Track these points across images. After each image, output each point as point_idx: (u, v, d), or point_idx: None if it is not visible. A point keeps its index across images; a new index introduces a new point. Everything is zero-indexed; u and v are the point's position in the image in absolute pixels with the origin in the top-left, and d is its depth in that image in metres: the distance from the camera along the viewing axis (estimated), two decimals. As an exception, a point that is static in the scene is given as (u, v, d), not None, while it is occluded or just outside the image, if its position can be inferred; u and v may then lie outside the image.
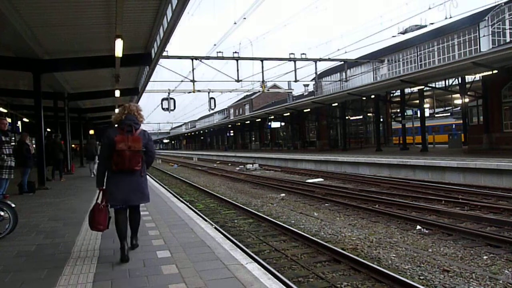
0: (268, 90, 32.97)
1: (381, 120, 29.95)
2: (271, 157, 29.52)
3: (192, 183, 17.62)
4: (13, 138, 16.72)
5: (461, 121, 27.21)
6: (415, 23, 23.53)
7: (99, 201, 4.40)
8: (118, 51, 9.64)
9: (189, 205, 10.14)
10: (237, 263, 4.07)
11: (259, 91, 36.40)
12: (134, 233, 4.72)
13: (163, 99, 27.70)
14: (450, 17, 20.04)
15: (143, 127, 4.37)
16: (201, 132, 74.58)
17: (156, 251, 4.59)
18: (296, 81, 28.70)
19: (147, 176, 5.01)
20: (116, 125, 4.35)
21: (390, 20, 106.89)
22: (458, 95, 25.78)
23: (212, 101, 29.32)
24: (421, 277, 5.12)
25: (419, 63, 29.87)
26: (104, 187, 4.33)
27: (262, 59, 27.32)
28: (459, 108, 28.81)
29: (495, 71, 16.69)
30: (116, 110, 5.09)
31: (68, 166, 17.97)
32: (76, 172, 18.46)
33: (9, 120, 17.80)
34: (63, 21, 9.22)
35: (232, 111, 74.99)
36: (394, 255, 6.08)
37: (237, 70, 26.76)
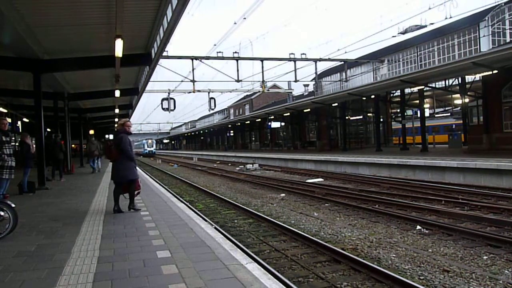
0: (268, 90, 32.97)
1: (381, 120, 29.93)
2: (271, 157, 29.51)
3: (192, 183, 17.62)
4: (13, 138, 16.74)
5: (461, 121, 27.22)
6: (415, 23, 23.56)
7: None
8: (118, 51, 9.63)
9: (189, 205, 10.15)
10: (237, 263, 4.07)
11: (259, 91, 36.39)
12: (131, 199, 7.29)
13: (163, 99, 27.70)
14: (450, 17, 20.07)
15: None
16: (201, 132, 74.54)
17: (156, 251, 4.59)
18: (296, 81, 28.70)
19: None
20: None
21: (390, 20, 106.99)
22: (458, 95, 25.79)
23: (212, 101, 29.33)
24: (421, 277, 5.13)
25: (419, 63, 29.87)
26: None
27: (262, 59, 27.32)
28: (459, 108, 28.81)
29: (495, 71, 16.68)
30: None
31: (68, 166, 17.97)
32: (76, 172, 18.46)
33: (9, 120, 17.83)
34: (63, 21, 9.21)
35: (232, 111, 74.97)
36: (394, 255, 6.08)
37: (237, 70, 26.77)
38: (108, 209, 7.63)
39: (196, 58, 26.12)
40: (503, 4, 24.69)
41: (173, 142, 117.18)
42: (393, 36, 25.07)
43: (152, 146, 70.47)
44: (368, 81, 31.41)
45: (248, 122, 48.06)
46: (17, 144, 13.68)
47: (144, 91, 21.23)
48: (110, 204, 8.22)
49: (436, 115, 31.97)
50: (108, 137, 44.18)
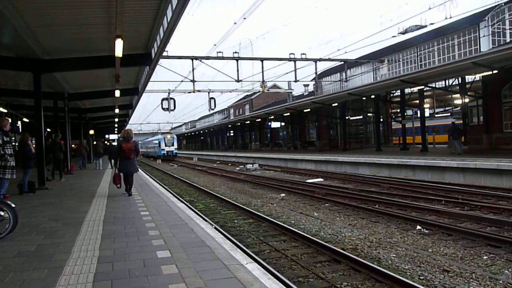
0: (268, 90, 32.96)
1: (381, 120, 29.93)
2: (271, 157, 29.51)
3: (192, 183, 17.62)
4: (13, 138, 16.73)
5: (461, 121, 27.22)
6: (415, 23, 23.54)
7: (116, 171, 9.75)
8: (118, 51, 9.62)
9: (189, 205, 10.15)
10: (237, 263, 4.07)
11: (259, 91, 36.34)
12: (130, 187, 9.71)
13: (163, 99, 27.68)
14: (450, 17, 20.05)
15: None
16: (201, 132, 74.54)
17: (156, 251, 4.59)
18: (296, 81, 28.68)
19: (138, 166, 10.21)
20: (121, 138, 9.74)
21: (390, 20, 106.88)
22: (458, 95, 25.76)
23: (212, 101, 29.29)
24: (421, 277, 5.13)
25: (419, 63, 29.85)
26: (117, 166, 9.57)
27: (262, 59, 27.30)
28: (459, 108, 28.78)
29: (495, 71, 16.68)
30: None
31: (68, 166, 17.95)
32: (76, 172, 18.46)
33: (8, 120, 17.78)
34: (63, 21, 9.21)
35: (232, 111, 74.97)
36: (394, 255, 6.09)
37: (237, 70, 26.75)
38: (108, 209, 7.63)
39: (196, 58, 26.11)
40: (503, 4, 24.66)
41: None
42: (393, 36, 25.03)
43: (173, 145, 45.89)
44: (368, 81, 31.39)
45: (248, 122, 48.06)
46: (16, 144, 13.66)
47: (144, 91, 21.21)
48: (110, 204, 8.28)
49: (436, 115, 31.95)
50: (108, 138, 44.29)
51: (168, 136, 47.04)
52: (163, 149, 45.04)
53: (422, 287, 4.57)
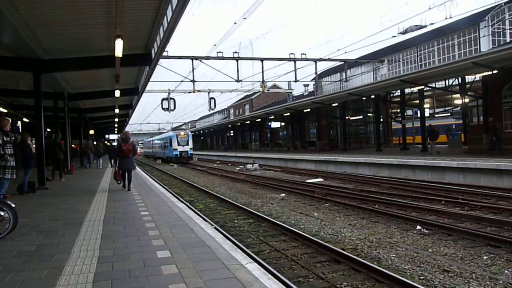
0: (268, 90, 32.96)
1: (381, 120, 29.93)
2: (271, 157, 29.51)
3: (192, 183, 17.62)
4: (13, 139, 16.74)
5: (461, 121, 27.21)
6: (415, 23, 23.54)
7: (116, 169, 10.82)
8: (118, 51, 9.62)
9: (189, 205, 10.15)
10: (237, 263, 4.07)
11: (259, 91, 36.32)
12: (129, 182, 10.82)
13: (163, 99, 27.69)
14: (450, 17, 20.07)
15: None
16: (201, 132, 74.53)
17: (156, 251, 4.59)
18: (296, 81, 28.70)
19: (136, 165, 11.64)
20: (121, 139, 11.09)
21: (390, 20, 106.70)
22: (458, 95, 25.77)
23: (212, 101, 29.31)
24: (421, 277, 5.13)
25: (419, 63, 29.85)
26: (117, 164, 10.68)
27: (262, 59, 27.31)
28: (459, 108, 28.79)
29: (495, 71, 16.68)
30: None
31: (68, 166, 17.95)
32: (76, 172, 18.46)
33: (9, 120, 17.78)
34: (63, 21, 9.21)
35: (232, 111, 74.95)
36: (394, 255, 6.09)
37: (237, 70, 26.76)
38: (108, 209, 7.64)
39: (196, 58, 26.11)
40: (503, 4, 24.66)
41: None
42: (393, 36, 25.04)
43: (187, 144, 37.13)
44: (368, 81, 31.39)
45: (248, 122, 48.05)
46: (17, 142, 13.67)
47: (144, 91, 21.21)
48: (110, 204, 8.30)
49: (436, 115, 31.95)
50: (108, 138, 44.33)
51: (182, 133, 38.37)
52: (176, 149, 36.21)
53: (422, 287, 4.57)
